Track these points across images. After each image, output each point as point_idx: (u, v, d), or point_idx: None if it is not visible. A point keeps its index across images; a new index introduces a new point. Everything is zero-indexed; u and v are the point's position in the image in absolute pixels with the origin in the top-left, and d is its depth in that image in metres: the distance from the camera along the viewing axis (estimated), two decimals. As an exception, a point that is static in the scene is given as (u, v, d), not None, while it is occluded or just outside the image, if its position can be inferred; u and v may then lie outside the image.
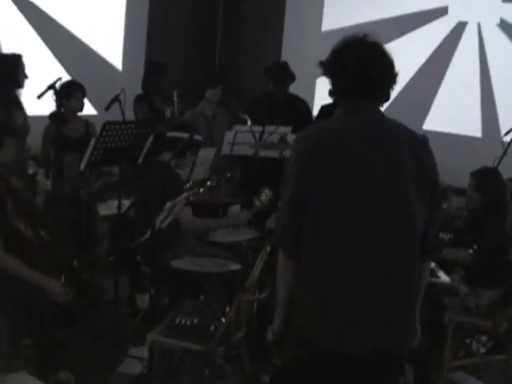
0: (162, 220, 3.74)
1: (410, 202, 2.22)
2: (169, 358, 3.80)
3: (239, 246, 4.49)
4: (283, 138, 5.11)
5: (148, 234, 3.73)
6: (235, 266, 4.03)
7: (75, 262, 3.76)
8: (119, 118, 4.78)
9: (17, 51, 5.03)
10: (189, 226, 4.22)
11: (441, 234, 4.20)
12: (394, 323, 2.26)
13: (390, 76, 2.31)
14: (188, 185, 4.46)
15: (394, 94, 2.37)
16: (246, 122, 5.32)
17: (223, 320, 3.48)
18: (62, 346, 3.66)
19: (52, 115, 5.07)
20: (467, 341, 4.34)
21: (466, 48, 6.91)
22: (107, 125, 4.15)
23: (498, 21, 6.73)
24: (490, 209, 4.29)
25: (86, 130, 5.36)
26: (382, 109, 2.37)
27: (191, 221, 4.23)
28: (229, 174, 5.16)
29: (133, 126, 4.38)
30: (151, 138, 4.49)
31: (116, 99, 4.93)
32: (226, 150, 5.32)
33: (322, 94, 5.74)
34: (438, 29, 7.05)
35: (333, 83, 2.35)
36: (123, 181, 4.54)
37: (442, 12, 7.04)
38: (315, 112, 6.39)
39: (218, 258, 4.10)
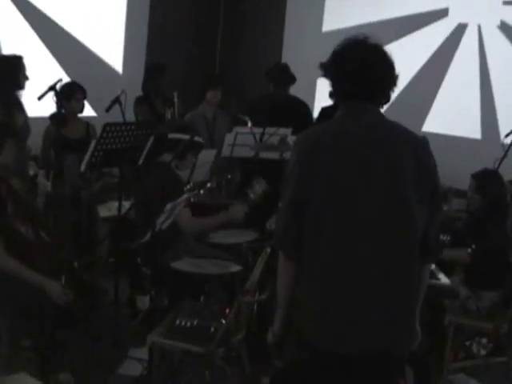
0: (163, 221, 3.75)
1: (410, 203, 2.22)
2: (169, 359, 3.80)
3: (239, 247, 4.49)
4: (283, 140, 5.10)
5: (148, 236, 3.73)
6: (235, 268, 4.03)
7: (75, 264, 3.76)
8: (120, 119, 4.79)
9: (17, 53, 5.04)
10: (187, 227, 4.22)
11: (441, 236, 4.20)
12: (393, 324, 2.26)
13: (391, 78, 2.32)
14: (188, 186, 4.46)
15: (393, 95, 2.38)
16: (246, 124, 5.32)
17: (223, 321, 3.48)
18: (62, 348, 3.67)
19: (52, 116, 5.07)
20: (467, 343, 4.34)
21: (466, 50, 6.91)
22: (108, 126, 4.15)
23: (498, 23, 6.73)
24: (490, 211, 4.29)
25: (87, 131, 5.36)
26: (382, 110, 2.38)
27: (190, 222, 4.22)
28: (229, 176, 5.15)
29: (133, 127, 4.39)
30: (151, 139, 4.49)
31: (116, 101, 4.93)
32: (226, 151, 5.32)
33: (322, 96, 5.73)
34: (439, 30, 7.05)
35: (333, 85, 2.35)
36: (123, 182, 4.54)
37: (442, 14, 7.05)
38: (315, 114, 6.40)
39: (218, 260, 4.10)
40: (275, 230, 2.43)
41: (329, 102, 4.68)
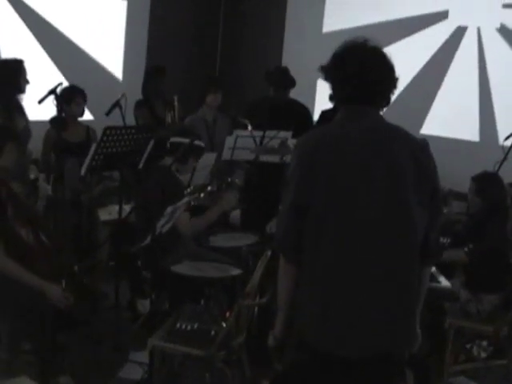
0: (163, 225, 3.75)
1: (410, 206, 2.23)
2: (169, 362, 3.80)
3: (239, 250, 4.49)
4: (284, 143, 5.11)
5: (148, 239, 3.74)
6: (236, 271, 4.03)
7: (76, 267, 3.77)
8: (120, 123, 4.79)
9: (16, 56, 5.04)
10: (186, 231, 4.21)
11: (441, 239, 4.20)
12: (394, 326, 2.26)
13: (390, 81, 2.32)
14: (189, 190, 4.46)
15: (392, 97, 2.38)
16: (246, 127, 5.32)
17: (224, 325, 3.49)
18: (62, 351, 3.67)
19: (53, 120, 5.07)
20: (468, 346, 4.34)
21: (466, 52, 6.92)
22: (108, 130, 4.16)
23: (497, 26, 6.74)
24: (490, 213, 4.29)
25: (87, 134, 5.36)
26: (381, 112, 2.38)
27: (188, 225, 4.22)
28: (229, 179, 5.15)
29: (133, 131, 4.39)
30: (152, 143, 4.50)
31: (117, 104, 4.94)
32: (226, 154, 5.32)
33: (322, 99, 5.74)
34: (438, 33, 7.06)
35: (333, 88, 2.36)
36: (124, 186, 4.55)
37: (442, 16, 7.05)
38: (316, 117, 6.40)
39: (219, 263, 4.11)
40: (276, 233, 2.43)
41: (329, 105, 4.69)
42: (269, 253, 3.60)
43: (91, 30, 6.84)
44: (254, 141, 5.19)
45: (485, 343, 4.33)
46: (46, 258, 3.61)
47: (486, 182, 4.39)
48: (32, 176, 4.88)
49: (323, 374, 2.27)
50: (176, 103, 5.97)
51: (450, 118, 6.90)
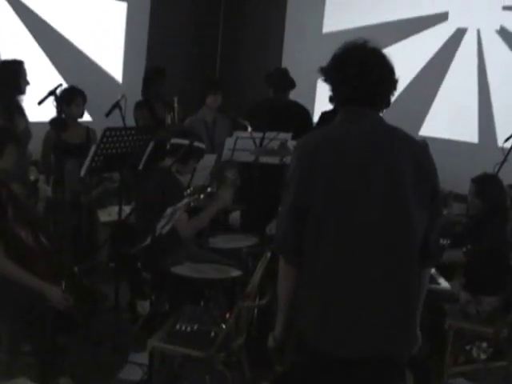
0: (163, 226, 3.75)
1: (410, 207, 2.23)
2: (169, 364, 3.80)
3: (239, 252, 4.49)
4: (283, 145, 5.11)
5: (148, 240, 3.73)
6: (235, 273, 4.03)
7: (76, 269, 3.77)
8: (120, 124, 4.79)
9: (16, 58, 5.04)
10: (185, 232, 4.21)
11: (441, 240, 4.20)
12: (394, 328, 2.26)
13: (390, 82, 2.32)
14: (188, 191, 4.46)
15: (392, 98, 2.38)
16: (246, 129, 5.32)
17: (223, 326, 3.48)
18: (62, 352, 3.66)
19: (52, 121, 5.07)
20: (468, 347, 4.34)
21: (465, 54, 6.93)
22: (108, 131, 4.15)
23: (497, 28, 6.75)
24: (490, 215, 4.29)
25: (87, 136, 5.37)
26: (381, 114, 2.38)
27: (187, 226, 4.21)
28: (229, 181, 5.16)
29: (133, 132, 4.39)
30: (152, 144, 4.50)
31: (116, 105, 4.94)
32: (226, 156, 5.33)
33: (322, 100, 5.74)
34: (438, 34, 7.07)
35: (333, 89, 2.36)
36: (124, 187, 4.55)
37: (442, 18, 7.06)
38: (315, 118, 6.40)
39: (219, 265, 4.11)
40: (276, 235, 2.43)
41: (329, 107, 4.68)
42: (268, 254, 3.60)
43: (91, 31, 6.84)
44: (254, 142, 5.19)
45: (484, 345, 4.33)
46: (46, 260, 3.60)
47: (486, 183, 4.39)
48: (32, 177, 4.88)
49: (323, 375, 2.27)
50: (176, 104, 5.97)
51: (449, 120, 6.91)
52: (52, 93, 4.55)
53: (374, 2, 7.41)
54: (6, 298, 3.44)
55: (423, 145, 2.38)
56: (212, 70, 8.58)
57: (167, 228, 3.83)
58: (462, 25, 6.97)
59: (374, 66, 2.28)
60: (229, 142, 5.27)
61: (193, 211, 4.31)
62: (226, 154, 5.32)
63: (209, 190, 4.59)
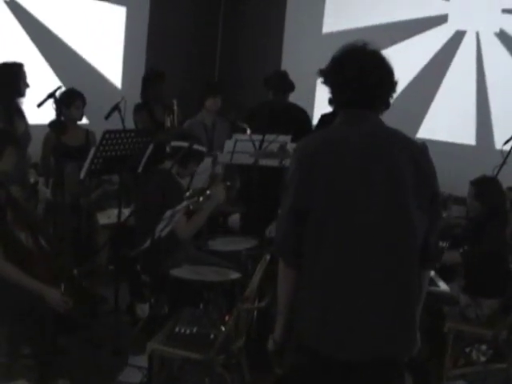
0: (162, 229, 3.75)
1: (410, 209, 2.23)
2: (168, 366, 3.79)
3: (239, 254, 4.49)
4: (283, 147, 5.11)
5: (148, 243, 3.73)
6: (235, 275, 4.03)
7: (75, 271, 3.77)
8: (119, 126, 4.79)
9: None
10: (184, 234, 4.21)
11: (440, 243, 4.20)
12: (393, 330, 2.26)
13: (390, 84, 2.32)
14: (188, 193, 4.46)
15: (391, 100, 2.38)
16: (245, 131, 5.32)
17: (223, 329, 3.48)
18: (61, 355, 3.66)
19: (52, 124, 5.07)
20: (467, 349, 4.34)
21: (464, 57, 6.94)
22: (107, 133, 4.15)
23: (496, 31, 6.76)
24: (489, 217, 4.29)
25: (86, 138, 5.37)
26: (380, 116, 2.38)
27: (185, 228, 4.21)
28: (228, 183, 5.15)
29: (133, 134, 4.39)
30: (151, 146, 4.50)
31: (116, 108, 4.94)
32: (225, 158, 5.32)
33: (321, 103, 5.75)
34: (437, 36, 7.09)
35: (332, 92, 2.36)
36: (123, 189, 4.54)
37: (441, 20, 7.07)
38: (315, 121, 6.40)
39: (218, 267, 4.10)
40: (275, 237, 2.43)
41: (328, 109, 4.68)
42: (268, 257, 3.60)
43: (90, 35, 6.84)
44: (253, 145, 5.19)
45: (484, 347, 4.33)
46: (46, 262, 3.61)
47: (485, 186, 4.39)
48: (31, 180, 4.88)
49: (323, 377, 2.27)
50: (175, 107, 5.97)
51: (447, 122, 6.91)
52: (51, 95, 4.56)
53: (374, 4, 7.42)
54: (6, 301, 3.44)
55: (423, 147, 2.38)
56: (211, 70, 8.58)
57: (166, 231, 3.83)
58: (461, 27, 6.98)
59: (374, 68, 2.28)
60: (228, 145, 5.27)
61: (193, 214, 4.31)
62: (225, 156, 5.31)
63: (208, 192, 4.59)
